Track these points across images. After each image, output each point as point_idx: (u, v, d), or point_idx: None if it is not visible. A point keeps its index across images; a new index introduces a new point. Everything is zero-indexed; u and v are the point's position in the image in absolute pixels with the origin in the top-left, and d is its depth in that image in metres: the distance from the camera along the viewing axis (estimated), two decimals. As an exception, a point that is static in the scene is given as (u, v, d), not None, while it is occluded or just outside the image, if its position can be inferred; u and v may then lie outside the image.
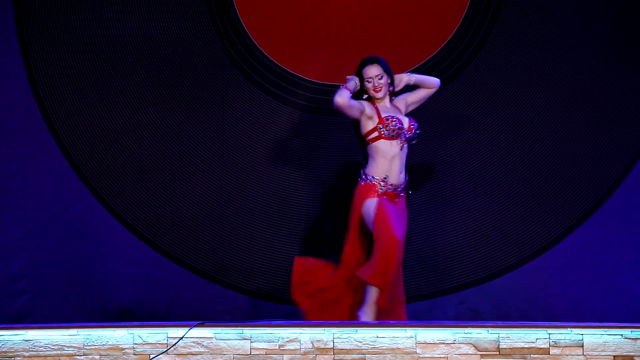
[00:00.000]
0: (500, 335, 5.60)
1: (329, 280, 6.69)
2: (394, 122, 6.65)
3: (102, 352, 5.70)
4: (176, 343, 5.66)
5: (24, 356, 5.72)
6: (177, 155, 7.55)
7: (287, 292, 6.91)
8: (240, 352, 5.65)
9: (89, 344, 5.71)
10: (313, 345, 5.63)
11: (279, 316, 7.31)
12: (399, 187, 6.70)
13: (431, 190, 7.50)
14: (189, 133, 7.56)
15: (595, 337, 5.59)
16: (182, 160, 7.55)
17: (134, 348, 5.69)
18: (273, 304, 7.42)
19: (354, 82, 6.73)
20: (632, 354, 5.58)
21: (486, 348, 5.59)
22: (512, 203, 7.49)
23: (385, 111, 6.72)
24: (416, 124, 6.75)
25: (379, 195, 6.61)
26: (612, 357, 5.58)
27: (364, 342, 5.62)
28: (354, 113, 6.67)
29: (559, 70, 7.53)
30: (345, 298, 6.67)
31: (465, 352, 5.59)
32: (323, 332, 5.64)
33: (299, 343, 5.64)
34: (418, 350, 5.60)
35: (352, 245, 6.70)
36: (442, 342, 5.61)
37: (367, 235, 6.66)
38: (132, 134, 7.55)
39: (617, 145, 7.49)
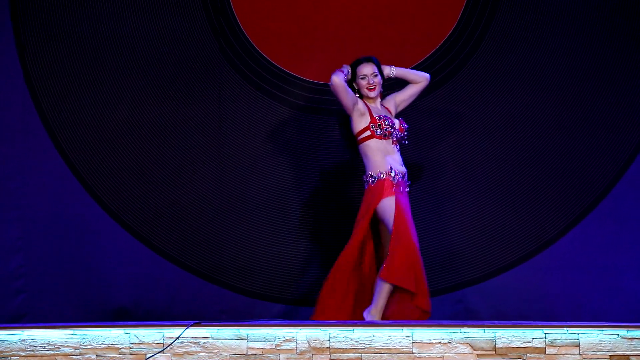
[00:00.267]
0: (497, 334, 5.59)
1: (329, 285, 6.61)
2: (386, 122, 6.60)
3: (99, 352, 5.69)
4: (172, 343, 5.65)
5: (20, 356, 5.71)
6: (174, 155, 7.55)
7: (284, 292, 6.91)
8: (236, 351, 5.65)
9: (85, 344, 5.71)
10: (309, 344, 5.63)
11: (276, 316, 7.31)
12: (405, 175, 6.62)
13: (427, 190, 7.49)
14: (186, 132, 7.55)
15: (592, 336, 5.59)
16: (179, 159, 7.54)
17: (130, 348, 5.69)
18: (270, 304, 7.42)
19: (347, 70, 6.67)
20: (628, 353, 5.58)
21: (482, 347, 5.59)
22: (508, 202, 7.49)
23: (376, 112, 6.67)
24: (406, 125, 6.71)
25: (394, 192, 6.49)
26: (608, 357, 5.57)
27: (361, 342, 5.62)
28: (347, 100, 6.56)
29: (555, 70, 7.53)
30: (347, 300, 6.60)
31: (461, 352, 5.59)
32: (319, 331, 5.63)
33: (295, 343, 5.64)
34: (414, 350, 5.59)
35: (354, 248, 6.58)
36: (439, 341, 5.61)
37: (371, 238, 6.63)
38: (129, 134, 7.54)
39: (614, 144, 7.49)
